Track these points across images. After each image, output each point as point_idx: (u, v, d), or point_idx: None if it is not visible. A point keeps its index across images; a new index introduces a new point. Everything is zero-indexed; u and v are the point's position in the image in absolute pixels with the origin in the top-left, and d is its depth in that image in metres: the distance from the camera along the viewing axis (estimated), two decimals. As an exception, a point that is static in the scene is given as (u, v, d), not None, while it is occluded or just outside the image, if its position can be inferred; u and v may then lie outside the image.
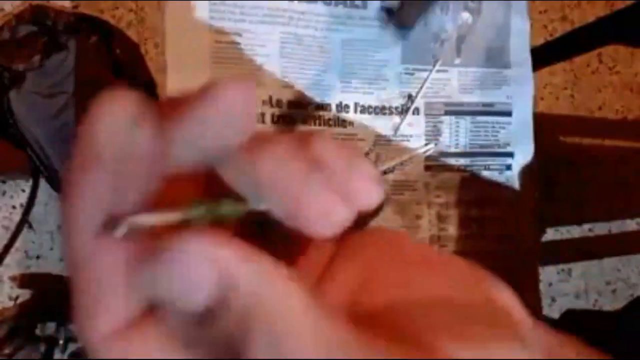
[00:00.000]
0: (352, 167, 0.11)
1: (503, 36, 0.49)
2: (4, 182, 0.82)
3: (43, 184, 0.79)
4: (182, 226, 0.10)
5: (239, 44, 0.43)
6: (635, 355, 0.42)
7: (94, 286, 0.09)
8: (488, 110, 0.48)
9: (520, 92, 0.49)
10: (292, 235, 0.11)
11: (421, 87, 0.47)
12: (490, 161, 0.48)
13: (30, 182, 0.80)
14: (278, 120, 0.43)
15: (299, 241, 0.13)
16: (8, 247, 0.77)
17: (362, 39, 0.46)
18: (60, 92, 0.67)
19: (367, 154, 0.46)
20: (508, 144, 0.49)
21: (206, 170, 0.10)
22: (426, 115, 0.47)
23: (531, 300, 0.48)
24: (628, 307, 0.52)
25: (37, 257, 0.81)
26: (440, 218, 0.47)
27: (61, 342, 0.70)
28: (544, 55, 0.69)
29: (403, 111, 0.47)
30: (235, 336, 0.08)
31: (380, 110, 0.46)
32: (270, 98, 0.43)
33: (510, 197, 0.49)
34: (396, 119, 0.47)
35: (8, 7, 0.76)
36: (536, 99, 0.49)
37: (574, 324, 0.59)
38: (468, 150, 0.48)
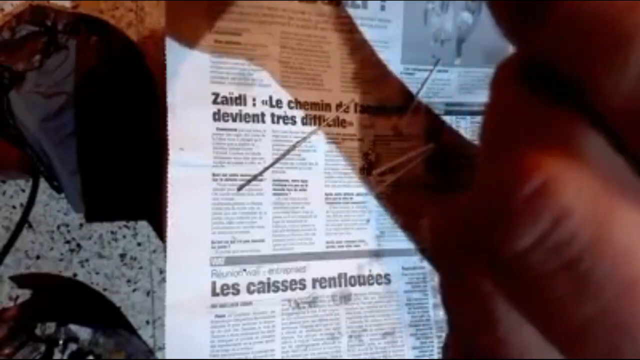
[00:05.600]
0: None
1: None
2: (4, 182, 0.82)
3: (43, 184, 0.79)
4: None
5: (239, 43, 0.42)
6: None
7: None
8: (488, 110, 0.48)
9: (520, 92, 0.49)
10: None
11: (421, 87, 0.47)
12: None
13: (30, 182, 0.80)
14: (278, 120, 0.43)
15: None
16: (8, 247, 0.78)
17: (362, 39, 0.46)
18: (60, 92, 0.67)
19: (367, 154, 0.46)
20: (508, 144, 0.49)
21: None
22: (426, 115, 0.47)
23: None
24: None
25: (37, 257, 0.81)
26: (440, 218, 0.47)
27: (61, 342, 0.70)
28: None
29: (403, 111, 0.47)
30: None
31: (380, 110, 0.46)
32: (270, 98, 0.43)
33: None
34: (396, 119, 0.47)
35: (8, 7, 0.76)
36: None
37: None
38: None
